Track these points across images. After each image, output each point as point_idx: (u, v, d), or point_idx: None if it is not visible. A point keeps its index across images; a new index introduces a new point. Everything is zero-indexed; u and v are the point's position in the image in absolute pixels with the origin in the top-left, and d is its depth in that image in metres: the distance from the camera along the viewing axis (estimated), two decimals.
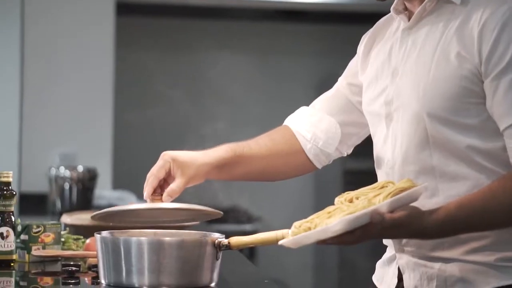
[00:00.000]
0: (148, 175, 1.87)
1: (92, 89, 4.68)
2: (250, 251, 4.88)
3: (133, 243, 1.73)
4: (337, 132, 1.97)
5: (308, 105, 2.05)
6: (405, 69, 1.75)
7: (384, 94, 1.79)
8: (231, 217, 5.01)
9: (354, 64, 1.97)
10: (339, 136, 1.97)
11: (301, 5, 5.20)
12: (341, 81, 2.00)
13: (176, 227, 2.00)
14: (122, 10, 4.84)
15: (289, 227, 1.72)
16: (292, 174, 2.04)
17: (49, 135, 4.62)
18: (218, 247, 1.78)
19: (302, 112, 2.02)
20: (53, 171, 4.25)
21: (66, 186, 4.19)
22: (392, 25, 1.87)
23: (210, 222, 3.42)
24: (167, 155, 1.88)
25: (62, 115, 4.62)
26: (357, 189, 1.67)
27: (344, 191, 1.68)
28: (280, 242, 1.62)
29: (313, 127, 1.98)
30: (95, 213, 1.86)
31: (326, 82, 5.78)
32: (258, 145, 1.97)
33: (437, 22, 1.73)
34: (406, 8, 1.80)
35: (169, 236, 1.86)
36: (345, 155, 2.03)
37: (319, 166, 2.01)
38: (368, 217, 1.55)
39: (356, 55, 1.96)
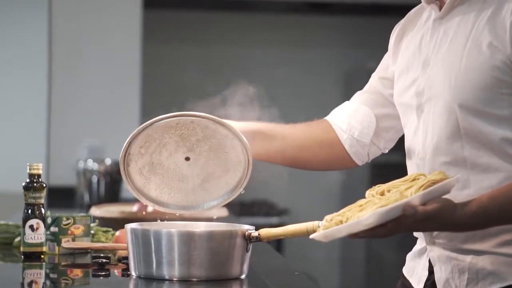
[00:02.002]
0: None
1: (120, 82, 4.69)
2: (278, 244, 4.87)
3: (163, 235, 1.73)
4: (372, 121, 1.95)
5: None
6: (436, 60, 1.74)
7: (415, 85, 1.78)
8: (258, 210, 5.00)
9: (386, 58, 1.97)
10: (374, 125, 1.95)
11: None
12: (373, 76, 2.00)
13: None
14: (149, 3, 4.84)
15: (316, 219, 1.72)
16: (330, 165, 2.02)
17: (77, 128, 4.64)
18: (248, 239, 1.77)
19: (340, 106, 2.02)
20: (81, 164, 4.26)
21: (94, 179, 4.21)
22: (422, 15, 1.85)
23: (239, 215, 3.42)
24: None
25: (90, 108, 4.64)
26: (384, 182, 1.65)
27: (371, 184, 1.66)
28: (311, 236, 1.61)
29: (349, 117, 1.97)
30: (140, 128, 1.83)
31: (353, 75, 5.79)
32: (293, 127, 1.98)
33: (468, 11, 1.71)
34: None
35: (199, 228, 1.85)
36: (386, 151, 2.00)
37: (358, 162, 1.98)
38: (400, 209, 1.54)
39: (388, 48, 1.95)
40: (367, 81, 2.04)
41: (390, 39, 1.94)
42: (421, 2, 1.83)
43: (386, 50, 1.96)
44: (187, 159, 1.87)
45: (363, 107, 1.97)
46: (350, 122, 1.97)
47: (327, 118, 2.02)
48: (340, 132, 1.98)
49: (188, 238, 1.73)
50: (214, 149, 1.87)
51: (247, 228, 1.79)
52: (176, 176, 1.87)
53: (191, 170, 1.88)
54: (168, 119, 1.84)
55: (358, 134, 1.96)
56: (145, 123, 1.84)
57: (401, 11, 1.94)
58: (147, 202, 1.89)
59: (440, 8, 1.77)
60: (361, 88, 2.03)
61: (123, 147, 1.84)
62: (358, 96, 2.01)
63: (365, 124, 1.96)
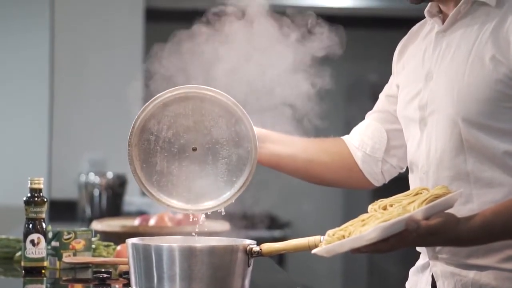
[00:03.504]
0: None
1: (121, 95, 4.68)
2: (280, 257, 4.86)
3: (164, 250, 1.72)
4: (383, 136, 1.94)
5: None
6: (439, 73, 1.73)
7: (418, 98, 1.77)
8: (260, 223, 4.99)
9: (392, 77, 1.96)
10: (386, 140, 1.94)
11: (330, 10, 5.19)
12: (381, 95, 2.00)
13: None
14: (151, 16, 4.85)
15: (318, 233, 1.70)
16: (344, 182, 2.00)
17: (79, 142, 4.63)
18: (249, 253, 1.76)
19: (356, 126, 2.01)
20: (83, 178, 4.25)
21: (96, 192, 4.20)
22: (424, 28, 1.85)
23: (240, 228, 3.40)
24: None
25: (92, 122, 4.64)
26: (386, 196, 1.65)
27: (373, 198, 1.66)
28: (313, 251, 1.60)
29: (361, 134, 1.97)
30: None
31: (354, 88, 5.77)
32: (305, 139, 1.96)
33: (471, 24, 1.71)
34: (440, 11, 1.78)
35: (200, 242, 1.84)
36: (402, 170, 1.98)
37: (373, 181, 1.97)
38: (403, 224, 1.53)
39: (392, 64, 1.95)
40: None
41: (394, 55, 1.94)
42: (422, 14, 1.83)
43: (387, 62, 1.96)
44: (194, 149, 1.86)
45: (373, 123, 1.96)
46: (362, 138, 1.96)
47: (342, 137, 2.02)
48: (353, 149, 1.97)
49: (189, 253, 1.72)
50: (220, 134, 1.86)
51: (249, 242, 1.78)
52: (185, 173, 1.87)
53: (199, 162, 1.86)
54: (172, 93, 1.84)
55: (370, 149, 1.95)
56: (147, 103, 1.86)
57: (402, 24, 1.94)
58: (157, 200, 1.88)
59: (443, 21, 1.77)
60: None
61: (131, 127, 1.84)
62: (368, 116, 2.01)
63: (376, 139, 1.95)
